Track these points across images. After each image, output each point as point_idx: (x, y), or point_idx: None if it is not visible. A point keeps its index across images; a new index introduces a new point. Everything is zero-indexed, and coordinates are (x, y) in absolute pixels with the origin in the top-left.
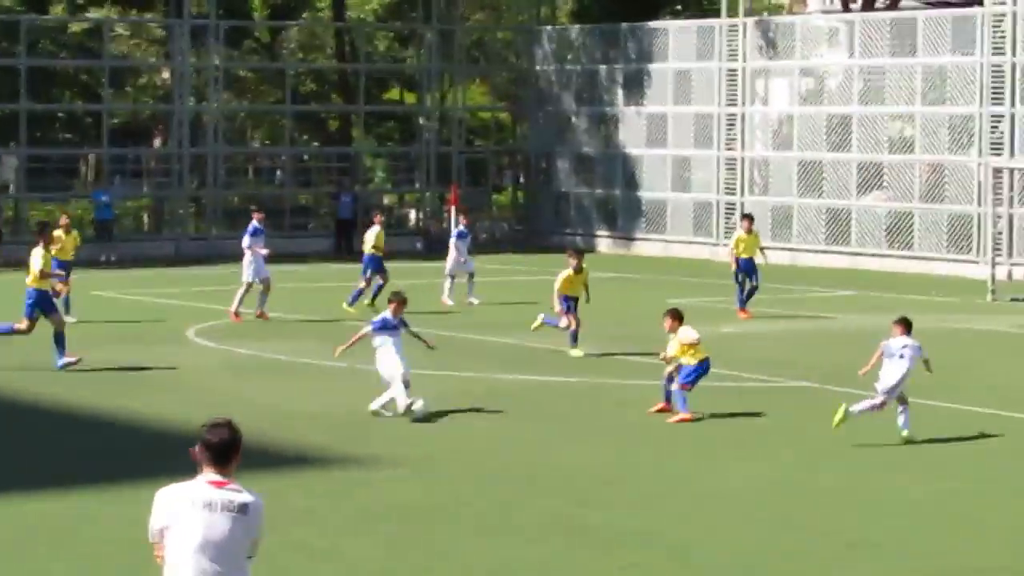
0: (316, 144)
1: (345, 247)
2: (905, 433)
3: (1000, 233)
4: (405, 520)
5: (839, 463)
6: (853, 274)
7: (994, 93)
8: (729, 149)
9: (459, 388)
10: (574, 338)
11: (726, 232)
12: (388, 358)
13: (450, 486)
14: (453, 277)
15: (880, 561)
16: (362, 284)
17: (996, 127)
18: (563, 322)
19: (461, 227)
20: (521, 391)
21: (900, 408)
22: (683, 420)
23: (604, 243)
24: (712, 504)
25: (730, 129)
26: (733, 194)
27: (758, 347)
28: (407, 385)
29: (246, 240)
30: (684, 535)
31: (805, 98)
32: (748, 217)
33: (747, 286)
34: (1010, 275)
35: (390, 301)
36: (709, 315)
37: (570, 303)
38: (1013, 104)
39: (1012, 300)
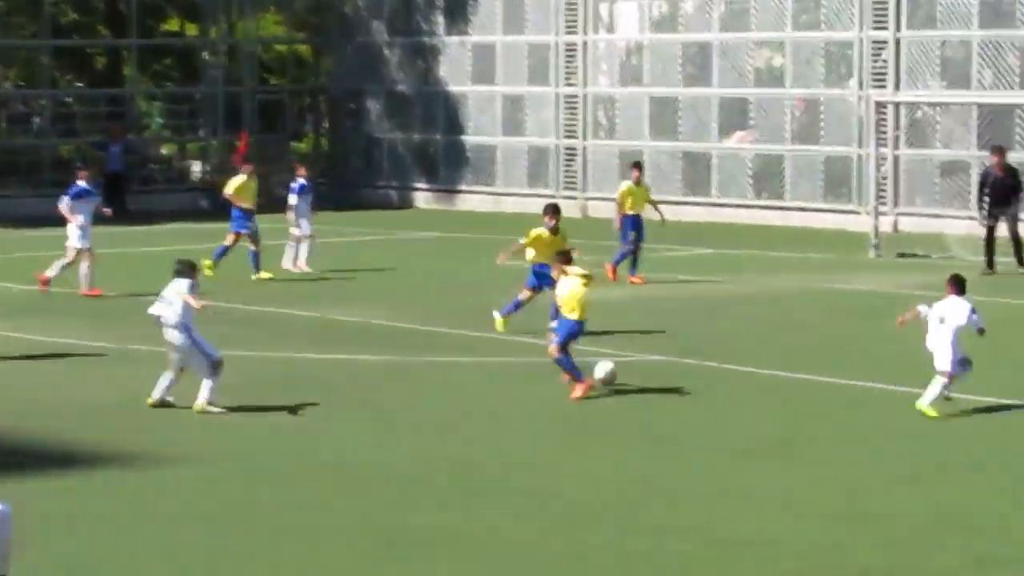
0: (80, 85)
1: (117, 205)
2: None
3: (884, 178)
4: (189, 524)
5: (696, 451)
6: (714, 228)
7: (876, 16)
8: (569, 85)
9: (259, 371)
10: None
11: (566, 183)
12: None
13: (242, 485)
14: (312, 237)
15: (750, 560)
16: (251, 246)
17: (878, 55)
18: (524, 295)
19: (300, 180)
20: (329, 373)
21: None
22: (583, 393)
23: (423, 197)
24: (550, 503)
25: (570, 62)
26: (574, 138)
27: (608, 317)
28: (217, 370)
29: (65, 203)
30: (513, 536)
31: (657, 24)
32: (637, 165)
33: (639, 246)
34: (895, 226)
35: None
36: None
37: (543, 280)
38: (898, 28)
39: (899, 256)
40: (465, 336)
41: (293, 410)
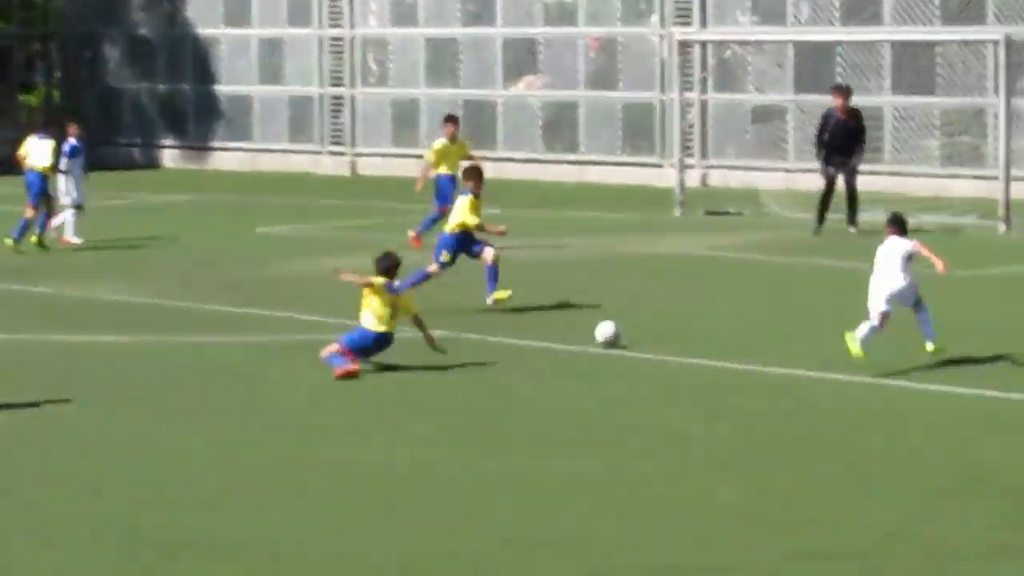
0: None
1: None
2: (930, 346)
3: (691, 127)
4: None
5: (497, 440)
6: (500, 185)
7: None
8: (334, 27)
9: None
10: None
11: (332, 137)
12: None
13: None
14: (79, 207)
15: (555, 561)
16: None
17: None
18: (432, 268)
19: (72, 141)
20: (71, 358)
21: (919, 317)
22: (345, 374)
23: (171, 155)
24: (310, 498)
25: (334, 0)
26: (341, 86)
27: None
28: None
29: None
30: (275, 542)
31: None
32: (452, 120)
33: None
34: (704, 180)
35: None
36: (322, 246)
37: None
38: None
39: (707, 214)
40: (225, 313)
41: (37, 403)
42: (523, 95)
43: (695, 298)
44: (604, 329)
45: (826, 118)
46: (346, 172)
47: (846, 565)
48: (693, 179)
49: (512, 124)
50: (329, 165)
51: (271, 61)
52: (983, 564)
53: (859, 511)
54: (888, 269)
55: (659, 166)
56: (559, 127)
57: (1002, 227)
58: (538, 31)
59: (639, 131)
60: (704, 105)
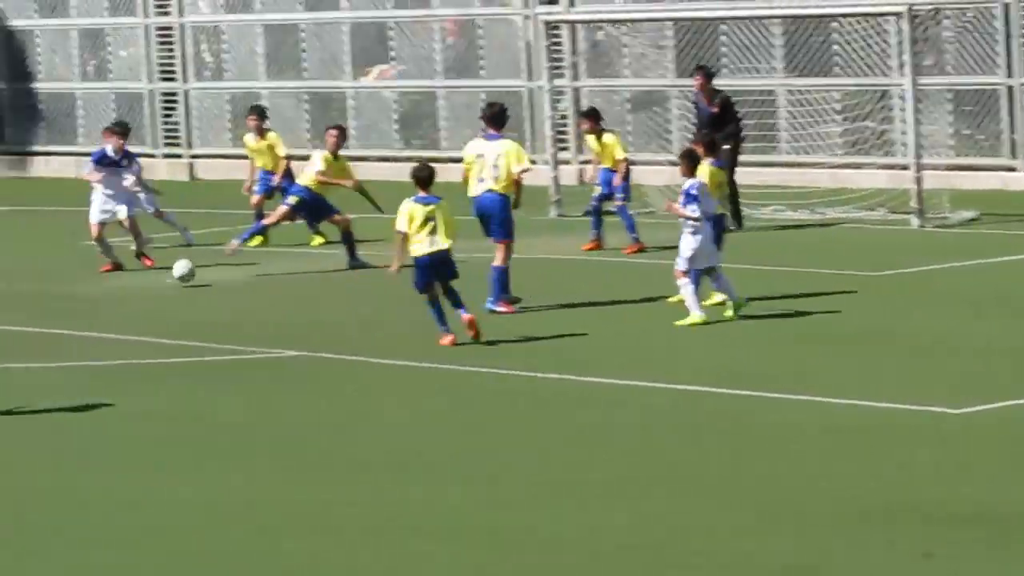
0: None
1: None
2: (729, 308)
3: (564, 117)
4: None
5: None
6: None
7: None
8: (162, 14)
9: None
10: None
11: (165, 138)
12: None
13: None
14: None
15: None
16: None
17: None
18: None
19: None
20: None
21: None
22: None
23: None
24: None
25: None
26: (173, 79)
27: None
28: None
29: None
30: None
31: None
32: (338, 131)
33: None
34: (581, 177)
35: None
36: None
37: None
38: None
39: (586, 214)
40: (43, 335)
41: None
42: (375, 87)
43: (576, 314)
44: (179, 267)
45: (695, 105)
46: (184, 176)
47: None
48: (569, 176)
49: (364, 118)
50: (161, 167)
51: (94, 55)
52: None
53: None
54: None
55: (529, 163)
56: (416, 120)
57: (915, 221)
58: (388, 14)
59: (507, 124)
60: (577, 92)
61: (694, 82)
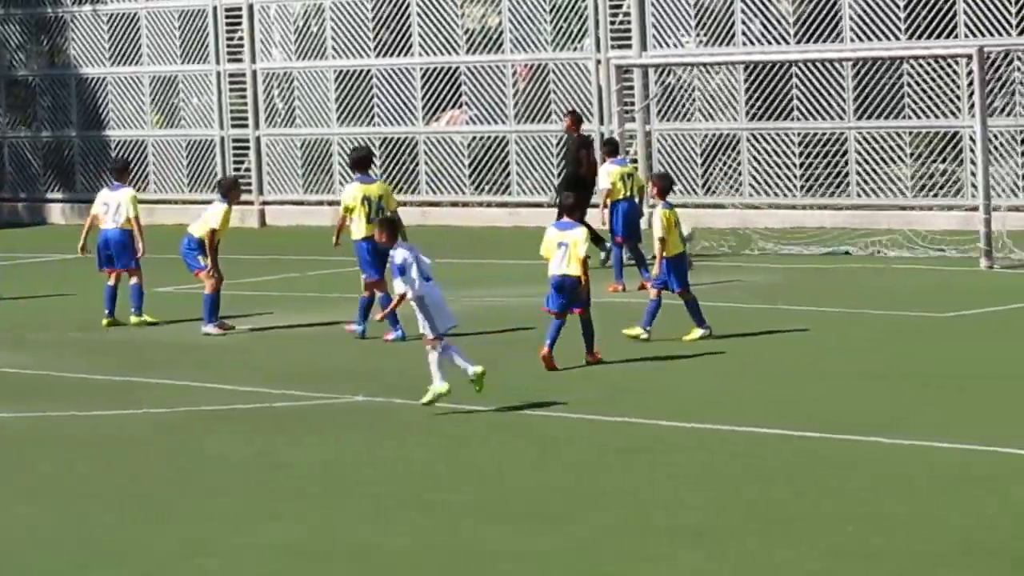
0: None
1: None
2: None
3: (635, 161)
4: None
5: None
6: (425, 232)
7: None
8: (233, 61)
9: None
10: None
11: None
12: None
13: None
14: None
15: None
16: None
17: (617, 10)
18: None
19: None
20: None
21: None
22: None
23: (59, 210)
24: None
25: (232, 31)
26: (244, 126)
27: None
28: None
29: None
30: None
31: None
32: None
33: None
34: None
35: None
36: (230, 306)
37: None
38: None
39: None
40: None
41: None
42: (445, 131)
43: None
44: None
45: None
46: (254, 223)
47: None
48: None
49: (436, 164)
50: (235, 215)
51: (165, 102)
52: None
53: None
54: None
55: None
56: (489, 165)
57: (984, 262)
58: (459, 59)
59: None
60: (648, 136)
61: (565, 124)
